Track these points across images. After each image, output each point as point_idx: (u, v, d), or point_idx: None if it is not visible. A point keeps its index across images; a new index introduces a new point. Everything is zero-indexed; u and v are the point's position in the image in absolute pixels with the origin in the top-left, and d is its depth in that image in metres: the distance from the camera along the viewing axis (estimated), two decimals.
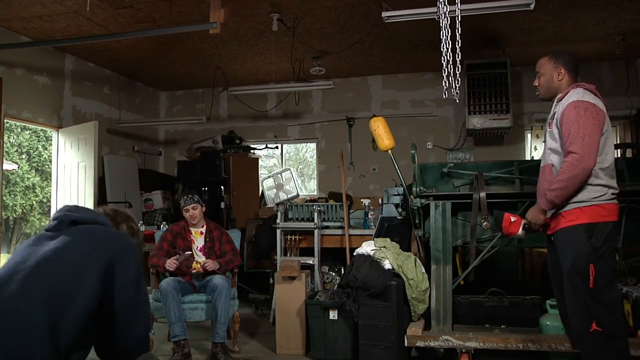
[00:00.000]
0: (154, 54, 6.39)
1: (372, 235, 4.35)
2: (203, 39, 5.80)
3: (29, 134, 15.39)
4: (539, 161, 2.83)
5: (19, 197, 15.39)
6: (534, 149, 7.05)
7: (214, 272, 3.91)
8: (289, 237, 4.85)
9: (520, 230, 2.70)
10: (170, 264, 3.80)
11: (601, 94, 2.60)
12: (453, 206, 3.42)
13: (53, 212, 6.28)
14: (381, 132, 3.76)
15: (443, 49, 3.02)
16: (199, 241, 4.12)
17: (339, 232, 4.78)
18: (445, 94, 3.06)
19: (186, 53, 6.37)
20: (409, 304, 3.39)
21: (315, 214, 4.68)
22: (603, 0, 4.92)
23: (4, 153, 6.01)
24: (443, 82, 3.02)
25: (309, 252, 4.78)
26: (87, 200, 5.82)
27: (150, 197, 7.01)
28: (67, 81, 6.34)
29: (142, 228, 5.70)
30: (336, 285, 4.84)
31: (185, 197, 4.12)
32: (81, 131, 6.07)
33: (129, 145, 7.50)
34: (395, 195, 4.67)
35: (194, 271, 3.97)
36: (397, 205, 4.55)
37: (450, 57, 3.02)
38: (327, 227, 4.83)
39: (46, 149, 15.39)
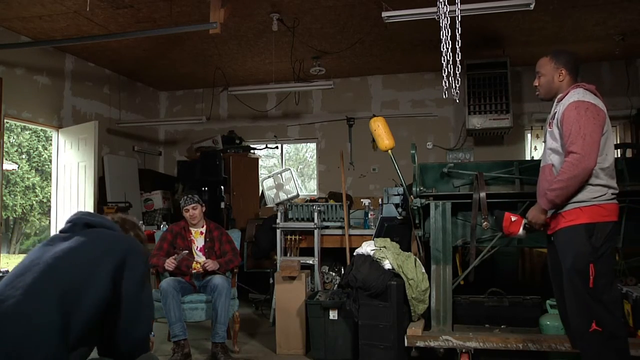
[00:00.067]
0: (154, 54, 6.39)
1: (372, 235, 4.35)
2: (203, 39, 5.81)
3: (29, 134, 15.39)
4: (539, 161, 2.83)
5: (19, 197, 15.40)
6: (534, 149, 7.06)
7: (214, 272, 3.91)
8: (289, 237, 4.85)
9: (520, 230, 2.70)
10: (169, 263, 3.80)
11: (601, 94, 2.60)
12: (453, 206, 3.42)
13: (53, 212, 6.28)
14: (381, 132, 3.76)
15: (443, 49, 3.02)
16: (199, 241, 4.12)
17: (339, 232, 4.78)
18: (445, 94, 3.06)
19: (186, 53, 6.37)
20: (409, 304, 3.39)
21: (315, 214, 4.68)
22: (603, 0, 4.92)
23: (4, 153, 6.01)
24: (443, 82, 3.02)
25: (309, 252, 4.77)
26: (87, 200, 5.82)
27: (150, 197, 7.01)
28: (67, 81, 6.34)
29: (143, 228, 5.69)
30: (336, 285, 4.84)
31: (185, 197, 4.12)
32: (81, 131, 6.07)
33: (129, 145, 7.50)
34: (395, 195, 4.67)
35: (194, 271, 3.97)
36: (397, 205, 4.55)
37: (450, 57, 3.02)
38: (327, 227, 4.83)
39: (46, 149, 15.40)
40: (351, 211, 5.03)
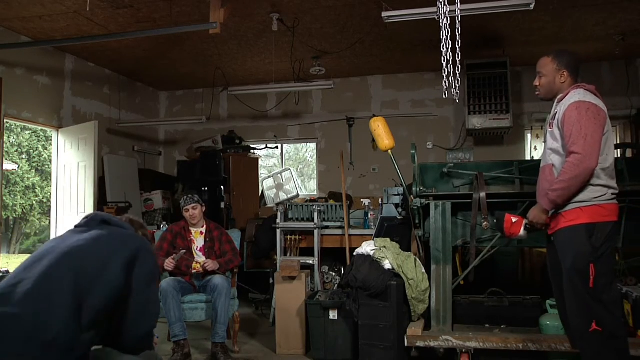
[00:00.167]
0: (154, 54, 6.39)
1: (372, 235, 4.35)
2: (203, 39, 5.81)
3: (29, 134, 15.39)
4: (539, 161, 2.83)
5: (19, 197, 15.40)
6: (534, 149, 7.06)
7: (214, 272, 3.91)
8: (289, 237, 4.85)
9: (522, 231, 2.69)
10: (168, 263, 3.80)
11: (601, 94, 2.60)
12: (453, 206, 3.42)
13: (53, 212, 6.28)
14: (381, 132, 3.76)
15: (443, 49, 3.02)
16: (199, 241, 4.12)
17: (339, 232, 4.78)
18: (445, 94, 3.06)
19: (186, 53, 6.37)
20: (409, 304, 3.39)
21: (315, 214, 4.68)
22: (603, 0, 4.92)
23: (4, 153, 6.01)
24: (443, 82, 3.02)
25: (309, 252, 4.77)
26: (87, 200, 5.82)
27: (150, 197, 7.01)
28: (67, 81, 6.34)
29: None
30: (336, 285, 4.84)
31: (185, 197, 4.12)
32: (81, 131, 6.07)
33: (129, 145, 7.50)
34: (395, 195, 4.67)
35: (194, 271, 3.97)
36: (397, 205, 4.54)
37: (450, 57, 3.02)
38: (327, 227, 4.83)
39: (46, 149, 15.40)
40: (351, 211, 5.03)
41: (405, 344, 3.25)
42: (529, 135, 7.09)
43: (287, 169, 4.80)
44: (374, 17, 5.12)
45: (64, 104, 6.29)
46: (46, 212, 15.82)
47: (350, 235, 4.64)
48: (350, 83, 7.55)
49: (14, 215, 15.64)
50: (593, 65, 6.67)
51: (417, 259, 3.54)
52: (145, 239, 1.92)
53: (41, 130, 13.59)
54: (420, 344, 3.23)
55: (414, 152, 3.65)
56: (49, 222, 6.99)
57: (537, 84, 2.73)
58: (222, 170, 6.58)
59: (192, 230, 4.14)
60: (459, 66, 3.05)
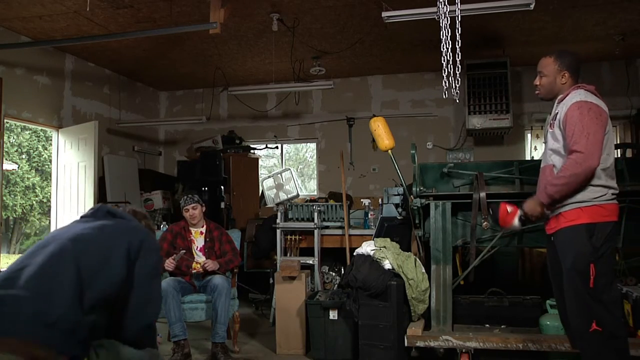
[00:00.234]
0: (154, 54, 6.39)
1: (372, 235, 4.35)
2: (203, 39, 5.81)
3: (29, 134, 15.38)
4: (539, 161, 2.83)
5: (19, 197, 15.39)
6: (534, 149, 7.06)
7: (214, 272, 3.91)
8: (289, 237, 4.85)
9: (515, 222, 2.64)
10: (168, 264, 3.80)
11: (601, 94, 2.60)
12: (453, 206, 3.42)
13: (53, 212, 6.28)
14: (381, 132, 3.76)
15: (443, 49, 3.02)
16: (199, 241, 4.12)
17: (339, 232, 4.78)
18: (445, 94, 3.06)
19: (186, 53, 6.37)
20: (409, 304, 3.39)
21: (315, 214, 4.68)
22: (603, 0, 4.92)
23: (4, 153, 6.01)
24: (443, 82, 3.02)
25: (309, 252, 4.78)
26: (87, 200, 5.82)
27: (150, 197, 7.01)
28: (67, 81, 6.34)
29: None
30: (336, 285, 4.84)
31: (185, 197, 4.12)
32: (81, 131, 6.07)
33: (129, 145, 7.50)
34: (395, 195, 4.67)
35: (194, 271, 3.97)
36: (397, 205, 4.54)
37: (450, 57, 3.02)
38: (327, 227, 4.83)
39: (46, 149, 15.39)
40: (351, 211, 5.03)
41: (405, 344, 3.25)
42: (529, 135, 7.09)
43: (287, 169, 4.80)
44: (374, 17, 5.12)
45: (64, 104, 6.29)
46: (46, 212, 15.81)
47: (350, 235, 4.64)
48: (350, 83, 7.55)
49: (14, 215, 15.64)
50: (593, 65, 6.67)
51: (417, 259, 3.54)
52: (149, 231, 1.95)
53: (41, 130, 13.58)
54: (420, 344, 3.23)
55: (414, 152, 3.65)
56: (49, 222, 6.99)
57: (538, 83, 2.73)
58: (222, 170, 6.58)
59: (192, 230, 4.14)
60: (459, 66, 3.06)
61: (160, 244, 4.00)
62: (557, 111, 2.61)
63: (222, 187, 6.53)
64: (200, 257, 4.05)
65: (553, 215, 2.59)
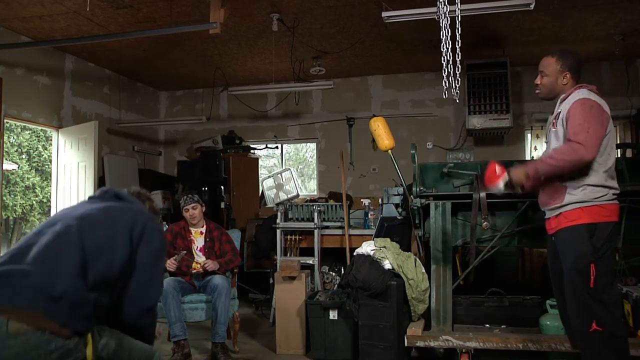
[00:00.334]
0: (154, 54, 6.39)
1: (372, 235, 4.35)
2: (203, 39, 5.80)
3: (29, 134, 15.38)
4: None
5: (19, 197, 15.39)
6: (534, 149, 7.05)
7: (214, 272, 3.91)
8: (289, 237, 4.85)
9: (500, 184, 2.62)
10: (170, 264, 3.80)
11: (601, 94, 2.61)
12: (453, 206, 3.41)
13: (53, 212, 6.28)
14: (381, 132, 3.76)
15: (443, 49, 3.02)
16: (199, 241, 4.12)
17: (339, 232, 4.78)
18: (445, 94, 3.06)
19: (186, 53, 6.37)
20: (409, 304, 3.39)
21: (315, 214, 4.68)
22: (603, 0, 4.92)
23: (4, 153, 6.01)
24: (443, 82, 3.02)
25: (309, 252, 4.78)
26: None
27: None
28: (67, 81, 6.34)
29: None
30: (336, 285, 4.84)
31: (185, 197, 4.12)
32: (81, 131, 6.07)
33: (129, 145, 7.50)
34: (395, 195, 4.67)
35: (194, 271, 3.97)
36: (397, 205, 4.54)
37: (450, 57, 3.02)
38: (327, 227, 4.83)
39: (46, 149, 15.39)
40: (351, 211, 5.03)
41: (405, 344, 3.25)
42: (529, 135, 7.09)
43: (287, 169, 4.80)
44: (374, 17, 5.12)
45: (64, 104, 6.29)
46: (46, 212, 15.80)
47: (350, 235, 4.64)
48: (350, 83, 7.55)
49: (14, 215, 15.63)
50: (593, 65, 6.67)
51: (417, 259, 3.54)
52: (153, 216, 2.00)
53: (41, 130, 13.58)
54: (420, 344, 3.23)
55: (414, 152, 3.65)
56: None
57: (539, 82, 2.73)
58: (222, 170, 6.58)
59: (192, 230, 4.14)
60: (459, 66, 3.05)
61: None
62: (559, 110, 2.62)
63: (222, 187, 6.53)
64: (200, 257, 4.05)
65: (554, 216, 2.59)
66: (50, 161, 8.50)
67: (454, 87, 3.00)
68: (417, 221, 3.62)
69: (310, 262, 4.62)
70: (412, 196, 3.51)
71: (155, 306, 1.85)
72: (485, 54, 6.34)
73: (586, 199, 2.47)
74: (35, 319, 1.47)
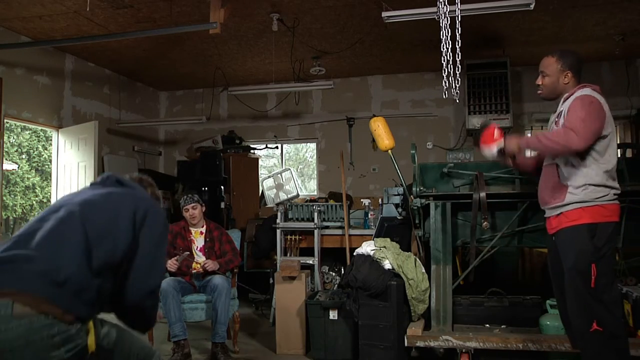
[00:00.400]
0: (154, 54, 6.39)
1: (372, 235, 4.35)
2: (203, 39, 5.80)
3: (29, 134, 15.39)
4: None
5: (19, 197, 15.40)
6: None
7: (214, 272, 3.91)
8: (289, 237, 4.85)
9: (494, 148, 2.63)
10: (171, 264, 3.79)
11: (602, 94, 2.61)
12: (453, 206, 3.41)
13: None
14: (381, 132, 3.76)
15: (443, 49, 3.02)
16: (199, 241, 4.12)
17: (339, 232, 4.77)
18: (445, 94, 3.06)
19: (186, 53, 6.37)
20: (409, 304, 3.39)
21: (315, 214, 4.68)
22: (603, 0, 4.92)
23: (4, 153, 6.01)
24: (443, 82, 3.02)
25: (309, 252, 4.77)
26: None
27: None
28: (67, 81, 6.34)
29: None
30: (336, 285, 4.84)
31: (185, 196, 4.12)
32: (81, 131, 6.07)
33: (129, 145, 7.50)
34: (395, 195, 4.67)
35: (194, 271, 3.97)
36: (397, 205, 4.54)
37: (450, 57, 3.02)
38: (327, 227, 4.83)
39: (46, 149, 15.39)
40: (351, 211, 5.03)
41: (405, 344, 3.25)
42: (529, 135, 7.09)
43: (287, 169, 4.80)
44: (374, 17, 5.12)
45: (64, 104, 6.29)
46: None
47: (350, 235, 4.64)
48: (350, 83, 7.55)
49: (14, 215, 15.63)
50: (593, 65, 6.67)
51: (417, 259, 3.54)
52: (155, 202, 2.01)
53: (41, 130, 13.58)
54: (420, 344, 3.22)
55: (414, 152, 3.64)
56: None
57: (540, 82, 2.72)
58: (222, 170, 6.58)
59: (192, 230, 4.14)
60: (459, 66, 3.05)
61: None
62: (562, 109, 2.62)
63: (222, 187, 6.53)
64: (200, 257, 4.05)
65: (554, 215, 2.59)
66: (50, 161, 8.50)
67: (454, 87, 3.00)
68: (417, 221, 3.62)
69: (310, 262, 4.62)
70: (412, 196, 3.51)
71: (158, 289, 1.86)
72: (485, 54, 6.34)
73: (587, 199, 2.47)
74: (39, 302, 1.49)
